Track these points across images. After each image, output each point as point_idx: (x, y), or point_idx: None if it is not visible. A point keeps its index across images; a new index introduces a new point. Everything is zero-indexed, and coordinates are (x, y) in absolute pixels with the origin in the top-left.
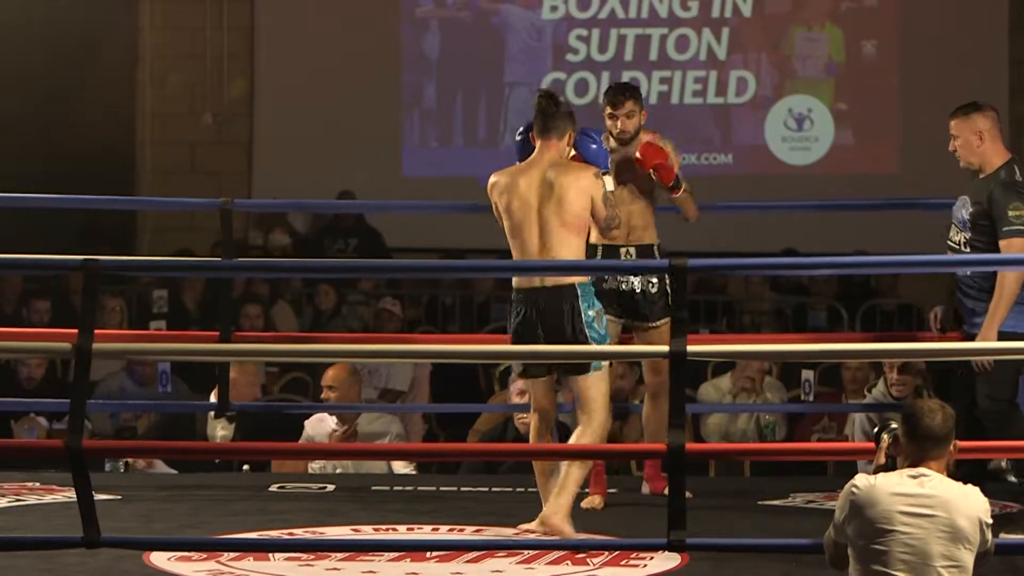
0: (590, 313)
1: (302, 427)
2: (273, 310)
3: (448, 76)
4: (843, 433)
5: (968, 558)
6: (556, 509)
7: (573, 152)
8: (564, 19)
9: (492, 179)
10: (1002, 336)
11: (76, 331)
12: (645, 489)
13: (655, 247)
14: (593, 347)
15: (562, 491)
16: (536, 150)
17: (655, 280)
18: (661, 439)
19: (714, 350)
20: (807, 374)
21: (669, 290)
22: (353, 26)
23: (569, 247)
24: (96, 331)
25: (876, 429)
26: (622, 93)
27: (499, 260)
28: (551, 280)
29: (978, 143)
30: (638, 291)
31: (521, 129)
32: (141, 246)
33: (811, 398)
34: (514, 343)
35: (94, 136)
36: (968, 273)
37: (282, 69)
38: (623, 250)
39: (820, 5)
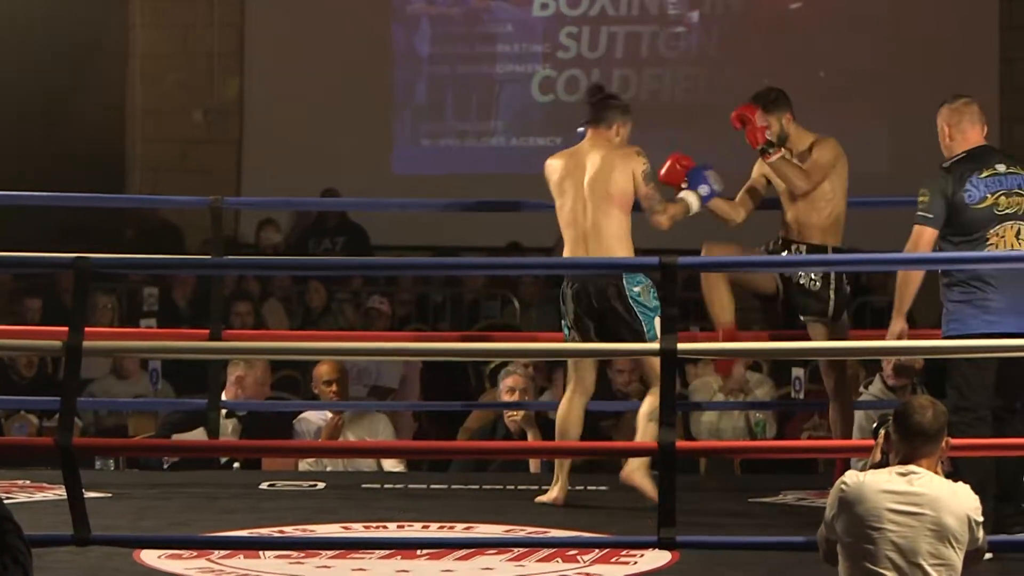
0: (635, 289)
1: (292, 425)
2: (264, 308)
3: (439, 73)
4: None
5: (956, 556)
6: (638, 464)
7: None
8: (555, 16)
9: (548, 161)
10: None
11: (67, 329)
12: None
13: (828, 248)
14: (589, 345)
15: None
16: (587, 137)
17: (815, 277)
18: (847, 438)
19: (705, 348)
20: (797, 372)
21: (833, 293)
22: (344, 23)
23: (614, 220)
24: (86, 329)
25: (875, 425)
26: (752, 99)
27: (491, 258)
28: (596, 255)
29: (945, 137)
30: (802, 284)
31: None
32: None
33: (801, 395)
34: (571, 315)
35: (85, 134)
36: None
37: (273, 67)
38: (794, 247)
39: (813, 4)
